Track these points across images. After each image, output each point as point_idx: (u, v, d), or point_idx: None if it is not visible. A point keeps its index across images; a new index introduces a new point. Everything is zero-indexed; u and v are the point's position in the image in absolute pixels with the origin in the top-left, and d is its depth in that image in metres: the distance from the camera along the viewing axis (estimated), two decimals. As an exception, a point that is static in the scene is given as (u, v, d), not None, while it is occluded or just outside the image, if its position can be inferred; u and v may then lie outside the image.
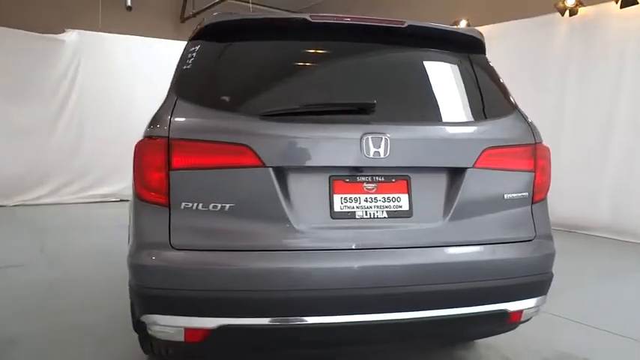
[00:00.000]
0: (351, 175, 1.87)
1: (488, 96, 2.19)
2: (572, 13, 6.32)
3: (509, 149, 2.06)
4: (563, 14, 6.38)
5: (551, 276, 2.08)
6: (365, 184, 1.88)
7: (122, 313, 2.52)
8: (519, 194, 2.06)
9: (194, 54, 2.00)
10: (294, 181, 1.82)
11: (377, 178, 1.89)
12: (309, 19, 1.97)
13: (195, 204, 1.75)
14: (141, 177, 1.82)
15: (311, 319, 1.78)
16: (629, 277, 4.42)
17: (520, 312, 2.01)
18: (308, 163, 1.84)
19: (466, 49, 2.26)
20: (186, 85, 1.94)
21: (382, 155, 1.84)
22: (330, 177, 1.85)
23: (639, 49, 5.77)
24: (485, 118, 2.14)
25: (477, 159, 1.98)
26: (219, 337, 1.78)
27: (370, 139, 1.83)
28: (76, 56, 8.18)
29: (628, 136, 5.86)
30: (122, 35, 8.57)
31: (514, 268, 1.97)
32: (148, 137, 1.83)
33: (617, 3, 5.90)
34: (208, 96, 1.92)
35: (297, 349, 2.13)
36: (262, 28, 2.08)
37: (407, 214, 1.90)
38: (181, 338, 1.79)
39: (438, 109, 2.13)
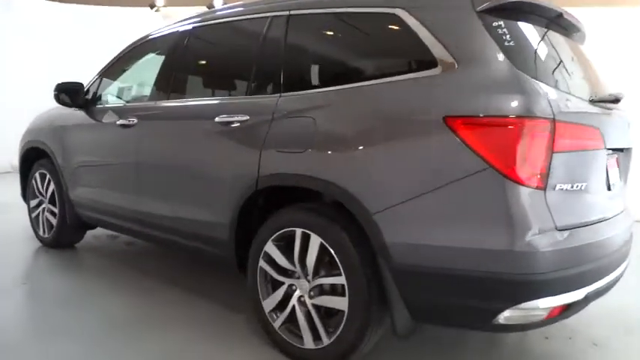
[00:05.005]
0: (612, 154, 2.23)
1: None
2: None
3: None
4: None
5: None
6: (610, 161, 2.21)
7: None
8: None
9: (505, 30, 1.88)
10: (596, 160, 2.07)
11: (615, 156, 2.27)
12: (561, 11, 2.14)
13: (567, 185, 1.85)
14: (521, 158, 1.71)
15: (614, 274, 2.07)
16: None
17: None
18: (612, 145, 2.16)
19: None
20: (526, 64, 1.85)
21: (627, 137, 2.35)
22: (607, 155, 2.15)
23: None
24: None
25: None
26: (577, 306, 1.87)
27: (628, 125, 2.36)
28: None
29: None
30: None
31: None
32: (533, 117, 1.71)
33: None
34: (547, 77, 1.90)
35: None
36: (539, 14, 2.09)
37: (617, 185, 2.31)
38: (542, 317, 1.80)
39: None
